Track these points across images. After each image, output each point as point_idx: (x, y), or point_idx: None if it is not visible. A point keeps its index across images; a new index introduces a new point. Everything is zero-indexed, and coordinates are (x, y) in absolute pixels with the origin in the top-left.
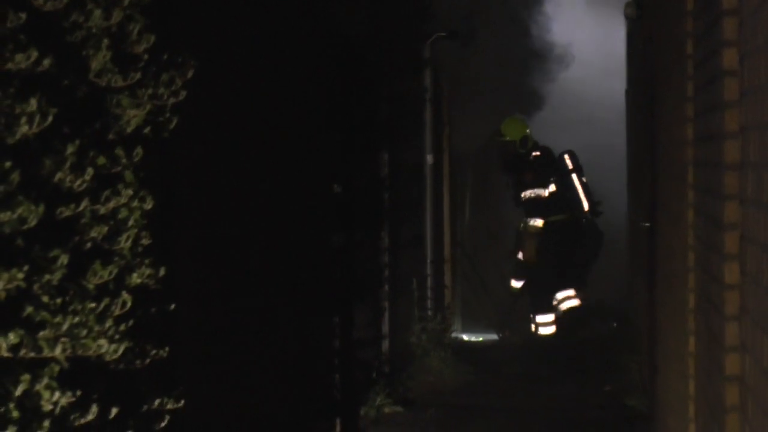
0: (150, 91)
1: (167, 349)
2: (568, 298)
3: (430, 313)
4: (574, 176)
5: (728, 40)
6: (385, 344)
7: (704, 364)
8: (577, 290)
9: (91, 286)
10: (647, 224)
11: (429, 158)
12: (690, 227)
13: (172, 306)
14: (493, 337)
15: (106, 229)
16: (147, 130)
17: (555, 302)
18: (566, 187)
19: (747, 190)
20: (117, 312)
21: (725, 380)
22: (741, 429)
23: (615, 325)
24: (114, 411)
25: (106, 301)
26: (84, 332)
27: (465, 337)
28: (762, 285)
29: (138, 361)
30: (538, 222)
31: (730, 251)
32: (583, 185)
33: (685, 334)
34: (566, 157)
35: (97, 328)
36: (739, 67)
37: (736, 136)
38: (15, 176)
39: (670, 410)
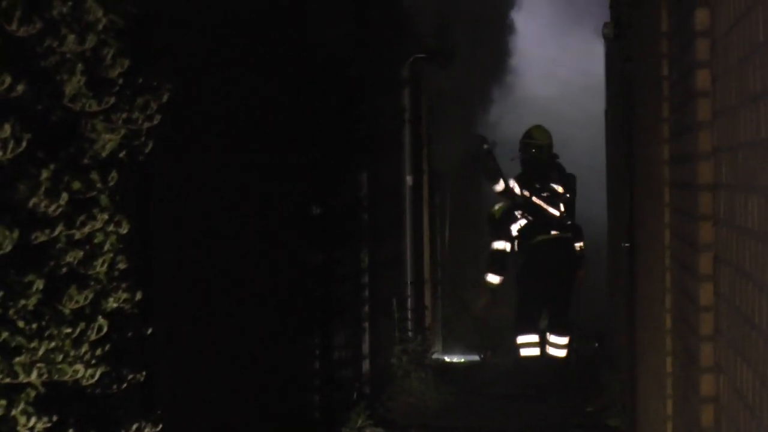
0: (125, 115)
1: (144, 373)
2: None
3: (410, 333)
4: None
5: (701, 61)
6: (366, 365)
7: (681, 385)
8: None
9: (66, 311)
10: (626, 244)
11: (408, 179)
12: (666, 248)
13: (149, 330)
14: (475, 358)
15: (81, 253)
16: (122, 154)
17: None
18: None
19: (720, 211)
20: (93, 336)
21: (701, 401)
22: None
23: (597, 344)
24: None
25: (81, 325)
26: (60, 357)
27: (446, 359)
28: (735, 306)
29: (115, 386)
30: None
31: (704, 272)
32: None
33: (662, 354)
34: None
35: (73, 352)
36: (712, 88)
37: (709, 157)
38: None
39: (649, 430)
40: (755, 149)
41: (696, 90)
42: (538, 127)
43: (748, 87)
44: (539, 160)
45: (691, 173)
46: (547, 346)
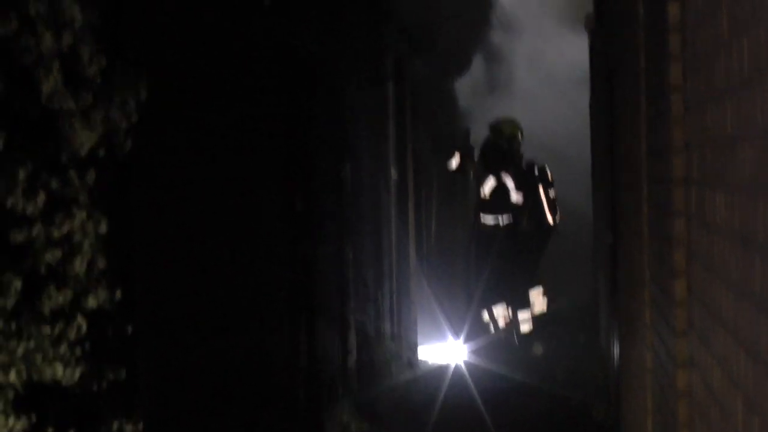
0: (103, 113)
1: (124, 372)
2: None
3: (395, 327)
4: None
5: (674, 55)
6: (351, 360)
7: (659, 379)
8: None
9: (45, 311)
10: (610, 237)
11: (393, 172)
12: (645, 241)
13: (130, 329)
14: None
15: (60, 252)
16: (101, 152)
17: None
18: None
19: (692, 207)
20: (73, 336)
21: (677, 396)
22: None
23: (582, 338)
24: None
25: (61, 325)
26: (39, 357)
27: (432, 353)
28: (704, 302)
29: (95, 385)
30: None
31: (678, 267)
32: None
33: (642, 348)
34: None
35: (52, 352)
36: (684, 83)
37: (681, 151)
38: None
39: (633, 424)
40: (722, 145)
41: (669, 84)
42: (508, 121)
43: (715, 83)
44: (501, 148)
45: (665, 167)
46: (518, 326)
